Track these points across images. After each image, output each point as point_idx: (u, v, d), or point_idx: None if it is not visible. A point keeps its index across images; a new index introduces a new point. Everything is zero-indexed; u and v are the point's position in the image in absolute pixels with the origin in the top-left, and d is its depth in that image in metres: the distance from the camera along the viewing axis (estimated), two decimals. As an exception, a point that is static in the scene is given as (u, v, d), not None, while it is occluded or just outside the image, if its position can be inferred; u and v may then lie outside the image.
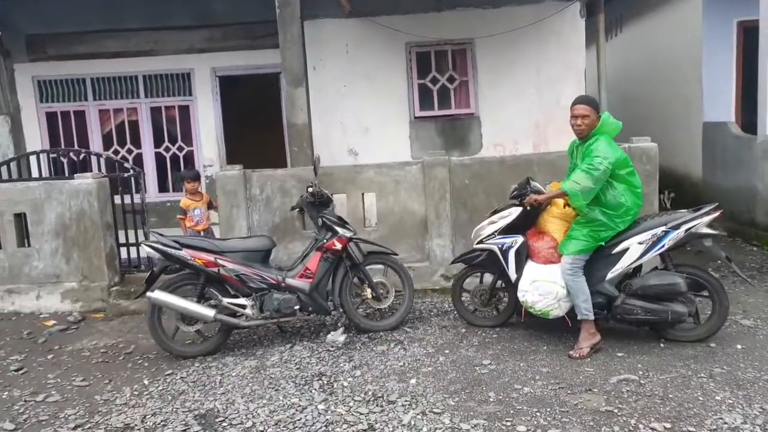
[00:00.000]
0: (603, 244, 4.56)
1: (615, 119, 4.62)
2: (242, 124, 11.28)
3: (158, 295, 4.86)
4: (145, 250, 5.03)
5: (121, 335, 5.72)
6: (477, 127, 8.63)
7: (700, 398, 3.79)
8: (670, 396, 3.83)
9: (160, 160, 9.92)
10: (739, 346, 4.56)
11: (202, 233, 6.47)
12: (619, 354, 4.54)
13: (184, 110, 9.85)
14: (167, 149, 9.89)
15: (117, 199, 6.72)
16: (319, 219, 5.18)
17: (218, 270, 4.91)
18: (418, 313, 5.77)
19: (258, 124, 10.90)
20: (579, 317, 4.59)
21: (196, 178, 6.56)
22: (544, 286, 4.68)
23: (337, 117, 8.52)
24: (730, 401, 3.73)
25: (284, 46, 7.19)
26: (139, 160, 9.85)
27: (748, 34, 8.57)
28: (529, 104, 8.52)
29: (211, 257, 4.92)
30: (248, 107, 11.16)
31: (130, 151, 9.86)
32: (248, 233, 6.27)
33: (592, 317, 4.55)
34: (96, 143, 9.84)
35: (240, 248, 5.08)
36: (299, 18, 7.17)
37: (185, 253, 4.89)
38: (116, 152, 9.80)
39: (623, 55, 12.48)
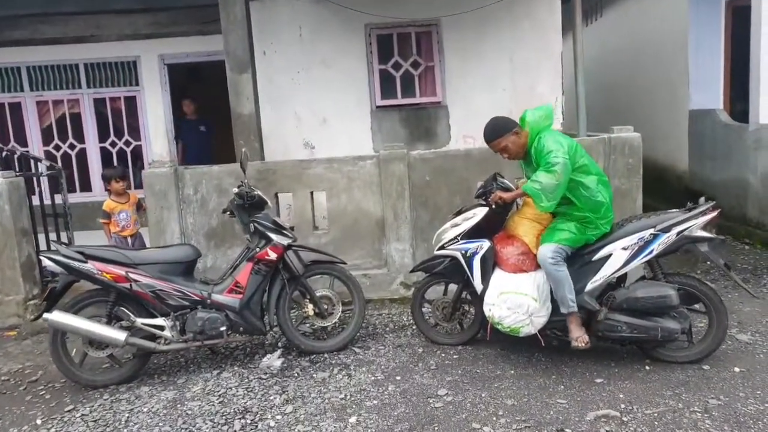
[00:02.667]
0: (591, 242, 4.01)
1: (539, 108, 4.10)
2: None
3: (58, 316, 4.11)
4: (44, 263, 4.27)
5: (31, 358, 4.98)
6: (445, 117, 7.89)
7: (695, 441, 3.13)
8: (658, 438, 3.17)
9: (105, 155, 9.18)
10: (736, 369, 3.91)
11: (129, 239, 5.73)
12: (598, 380, 3.87)
13: (131, 101, 9.12)
14: (113, 144, 9.18)
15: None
16: (251, 224, 4.46)
17: (130, 285, 4.18)
18: (372, 328, 5.07)
19: (217, 117, 10.12)
20: (564, 310, 3.93)
21: (124, 176, 5.79)
22: (513, 298, 4.01)
23: (291, 107, 7.74)
24: (731, 445, 3.08)
25: (227, 28, 6.49)
26: (82, 156, 9.14)
27: (738, 14, 7.95)
28: (501, 92, 7.78)
29: (121, 271, 4.18)
30: (208, 99, 10.34)
31: (72, 147, 9.12)
32: (181, 238, 5.55)
33: (576, 308, 3.93)
34: (34, 138, 9.08)
35: (157, 260, 4.34)
36: (243, -4, 6.44)
37: (91, 266, 4.15)
38: (57, 147, 9.09)
39: (604, 40, 11.85)
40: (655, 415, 3.40)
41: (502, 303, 4.04)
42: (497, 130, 4.09)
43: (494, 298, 4.09)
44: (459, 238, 4.30)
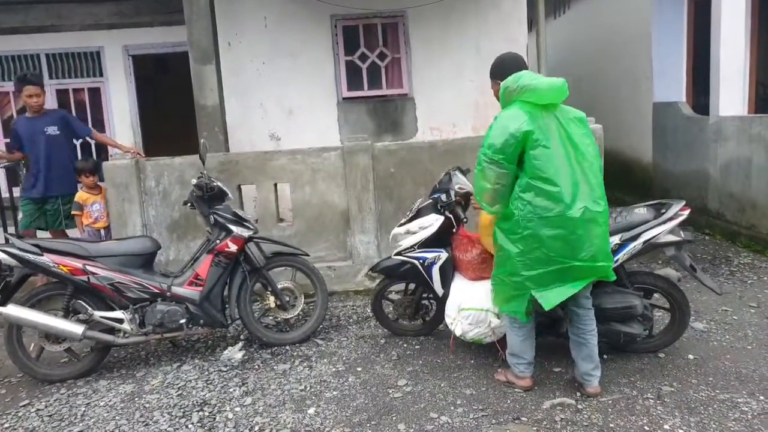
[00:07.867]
0: (532, 291, 3.36)
1: (529, 76, 3.33)
2: (168, 109, 10.39)
3: (13, 310, 4.04)
4: (-2, 256, 4.18)
5: (-13, 354, 4.88)
6: (411, 108, 7.88)
7: (646, 427, 3.18)
8: (611, 425, 3.22)
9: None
10: (690, 356, 3.98)
11: (102, 231, 5.64)
12: (556, 369, 3.91)
13: (95, 93, 8.95)
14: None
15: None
16: (211, 216, 4.41)
17: (88, 278, 4.12)
18: (336, 320, 5.07)
19: (185, 110, 10.00)
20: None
21: (94, 170, 5.67)
22: (474, 315, 3.92)
23: (257, 98, 7.66)
24: (681, 431, 3.13)
25: (190, 18, 6.43)
26: (44, 148, 8.92)
27: (700, 9, 8.05)
28: (467, 83, 7.80)
29: (78, 264, 4.12)
30: (178, 91, 10.20)
31: (34, 138, 8.90)
32: (144, 231, 5.49)
33: (525, 377, 3.65)
34: (-6, 129, 8.86)
35: (115, 252, 4.28)
36: (207, -14, 6.36)
37: (47, 259, 4.08)
38: (19, 139, 8.85)
39: (570, 33, 11.95)
40: (610, 402, 3.45)
41: (464, 319, 3.95)
42: (492, 69, 3.67)
43: (454, 312, 4.00)
44: (416, 247, 4.22)
